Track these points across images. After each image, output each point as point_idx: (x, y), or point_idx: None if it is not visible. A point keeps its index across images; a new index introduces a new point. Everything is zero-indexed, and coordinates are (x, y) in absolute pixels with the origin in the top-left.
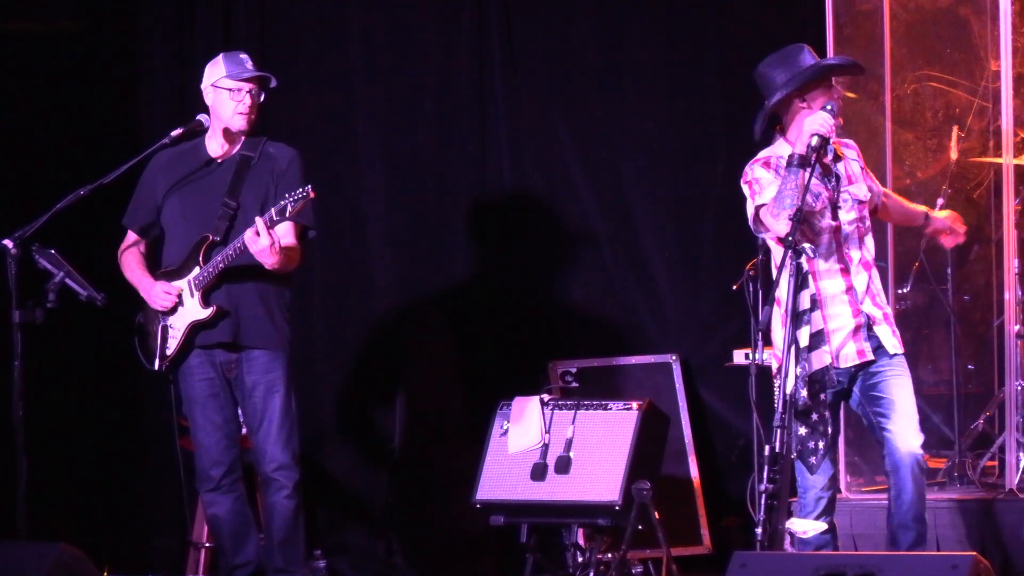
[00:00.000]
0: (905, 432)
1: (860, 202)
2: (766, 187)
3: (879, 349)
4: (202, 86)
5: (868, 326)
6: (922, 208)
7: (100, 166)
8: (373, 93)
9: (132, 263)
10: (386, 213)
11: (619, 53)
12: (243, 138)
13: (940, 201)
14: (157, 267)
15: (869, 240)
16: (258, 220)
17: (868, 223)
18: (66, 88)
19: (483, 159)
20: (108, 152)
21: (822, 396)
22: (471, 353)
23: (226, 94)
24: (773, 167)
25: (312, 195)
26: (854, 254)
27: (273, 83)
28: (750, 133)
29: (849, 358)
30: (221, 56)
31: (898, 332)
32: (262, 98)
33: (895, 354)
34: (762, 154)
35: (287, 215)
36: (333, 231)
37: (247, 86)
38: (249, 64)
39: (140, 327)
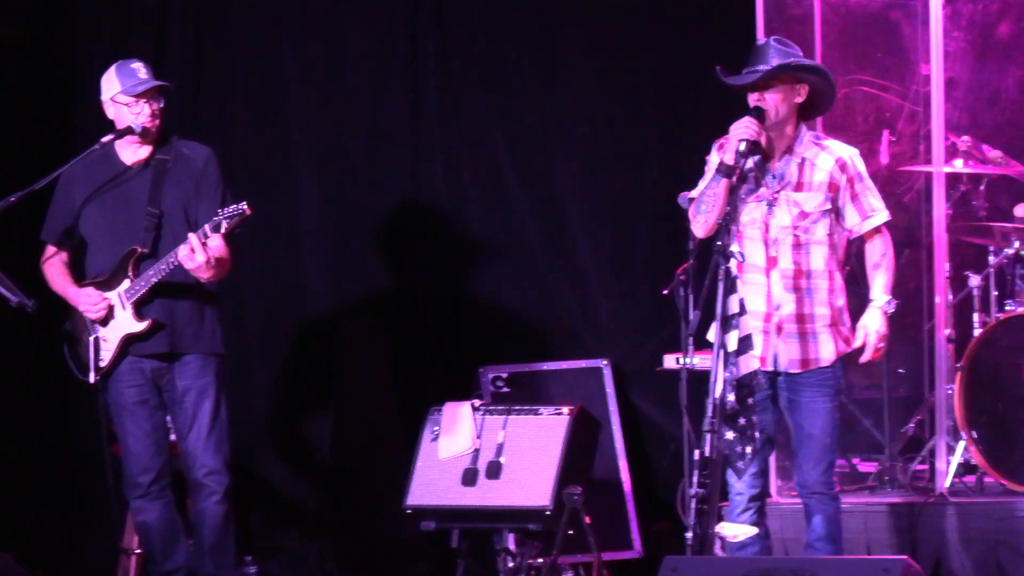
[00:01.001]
0: (805, 464)
1: (803, 212)
2: (706, 175)
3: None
4: (102, 99)
5: (776, 334)
6: (876, 299)
7: (32, 173)
8: (306, 99)
9: (55, 273)
10: (319, 219)
11: (553, 58)
12: (154, 142)
13: None
14: (82, 277)
15: (817, 250)
16: (192, 237)
17: (819, 234)
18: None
19: (416, 164)
20: (40, 159)
21: (750, 400)
22: (403, 359)
23: (124, 108)
24: (728, 150)
25: (248, 212)
26: (783, 259)
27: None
28: (683, 138)
29: (754, 362)
30: (114, 69)
31: (820, 349)
32: (162, 104)
33: (796, 372)
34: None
35: (222, 231)
36: (266, 237)
37: (143, 98)
38: (142, 73)
39: (69, 335)
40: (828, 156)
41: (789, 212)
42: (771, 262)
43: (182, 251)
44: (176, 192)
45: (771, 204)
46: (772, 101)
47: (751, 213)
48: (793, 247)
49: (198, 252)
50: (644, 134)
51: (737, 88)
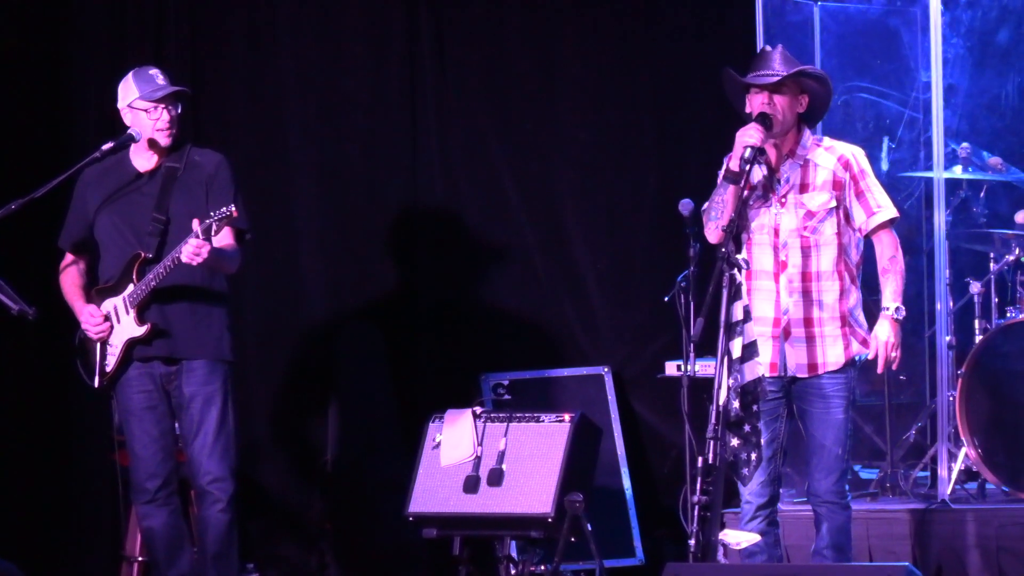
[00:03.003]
0: (817, 473)
1: (809, 212)
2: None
3: (787, 368)
4: (118, 107)
5: (784, 339)
6: (886, 308)
7: (31, 180)
8: (304, 105)
9: (68, 285)
10: (317, 225)
11: (550, 64)
12: (167, 150)
13: None
14: (96, 282)
15: (826, 251)
16: (191, 238)
17: (827, 234)
18: None
19: (414, 170)
20: (40, 166)
21: (754, 407)
22: (403, 366)
23: (143, 114)
24: (734, 157)
25: (235, 214)
26: (792, 262)
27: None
28: (681, 144)
29: (759, 368)
30: (131, 75)
31: (827, 352)
32: (179, 110)
33: (805, 377)
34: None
35: (212, 234)
36: (264, 243)
37: (162, 104)
38: (160, 79)
39: (81, 344)
40: (830, 155)
41: (796, 214)
42: (780, 266)
43: (184, 252)
44: (185, 199)
45: (779, 208)
46: (780, 104)
47: (760, 219)
48: (802, 249)
49: (201, 252)
50: (642, 141)
51: (735, 95)
